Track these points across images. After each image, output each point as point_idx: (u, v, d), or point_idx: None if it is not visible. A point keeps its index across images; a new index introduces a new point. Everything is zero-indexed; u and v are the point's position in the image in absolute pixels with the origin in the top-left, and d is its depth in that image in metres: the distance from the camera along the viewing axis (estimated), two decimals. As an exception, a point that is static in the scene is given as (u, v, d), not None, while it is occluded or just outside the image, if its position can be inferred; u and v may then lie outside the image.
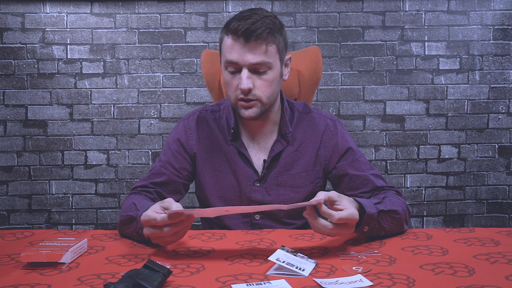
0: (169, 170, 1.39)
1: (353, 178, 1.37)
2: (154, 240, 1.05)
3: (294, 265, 0.93)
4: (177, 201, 1.39)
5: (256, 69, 1.25)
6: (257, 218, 1.39)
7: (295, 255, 0.97)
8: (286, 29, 1.34)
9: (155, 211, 1.02)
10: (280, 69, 1.31)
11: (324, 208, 1.03)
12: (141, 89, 2.82)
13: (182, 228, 1.03)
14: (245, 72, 1.24)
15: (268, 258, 0.94)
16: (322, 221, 1.04)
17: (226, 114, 1.41)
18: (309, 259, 0.98)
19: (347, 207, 1.04)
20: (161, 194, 1.37)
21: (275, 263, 0.95)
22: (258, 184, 1.38)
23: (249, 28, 1.21)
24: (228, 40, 1.25)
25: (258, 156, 1.39)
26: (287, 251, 0.98)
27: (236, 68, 1.26)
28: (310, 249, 1.09)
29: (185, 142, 1.41)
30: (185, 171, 1.41)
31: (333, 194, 1.07)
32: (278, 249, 0.98)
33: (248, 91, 1.25)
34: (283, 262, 0.93)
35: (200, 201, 1.49)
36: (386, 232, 1.18)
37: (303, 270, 0.93)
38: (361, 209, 1.12)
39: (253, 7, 2.77)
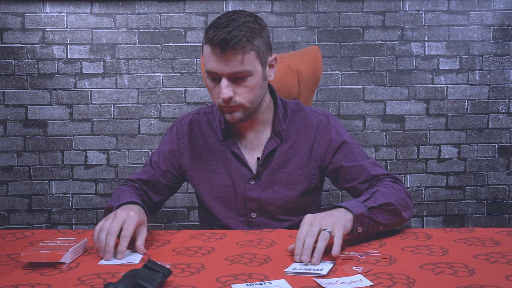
0: (156, 170, 1.43)
1: (348, 170, 1.36)
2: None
3: (311, 268, 0.94)
4: (159, 201, 1.45)
5: (235, 77, 1.25)
6: (254, 216, 1.39)
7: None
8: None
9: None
10: (263, 73, 1.29)
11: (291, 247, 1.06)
12: (141, 89, 2.82)
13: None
14: (224, 82, 1.24)
15: (285, 270, 0.94)
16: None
17: (219, 116, 1.42)
18: (326, 261, 0.98)
19: (302, 230, 1.04)
20: (146, 192, 1.42)
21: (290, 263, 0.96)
22: (253, 182, 1.38)
23: (225, 38, 1.19)
24: (206, 49, 1.24)
25: (251, 155, 1.40)
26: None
27: (216, 76, 1.26)
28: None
29: (176, 146, 1.44)
30: (170, 174, 1.44)
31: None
32: (294, 262, 0.98)
33: (229, 100, 1.25)
34: (300, 269, 0.94)
35: (199, 201, 1.50)
36: (385, 226, 1.18)
37: (321, 270, 0.93)
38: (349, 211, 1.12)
39: (253, 7, 2.78)
